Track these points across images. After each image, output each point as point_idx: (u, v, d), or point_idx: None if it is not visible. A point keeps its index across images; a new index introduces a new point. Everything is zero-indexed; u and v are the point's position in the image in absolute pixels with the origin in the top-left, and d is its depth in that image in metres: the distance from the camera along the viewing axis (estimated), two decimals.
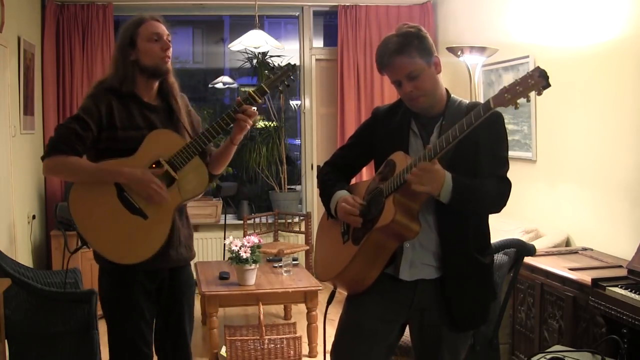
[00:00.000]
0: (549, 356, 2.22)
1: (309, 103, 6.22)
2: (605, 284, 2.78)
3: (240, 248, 3.98)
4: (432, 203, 1.98)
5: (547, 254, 3.53)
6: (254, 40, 5.01)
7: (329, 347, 2.24)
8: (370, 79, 5.96)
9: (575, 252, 3.57)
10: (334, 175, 2.27)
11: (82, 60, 5.52)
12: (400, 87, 2.03)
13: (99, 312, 2.83)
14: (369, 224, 2.02)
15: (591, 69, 3.65)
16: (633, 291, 2.65)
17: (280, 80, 2.37)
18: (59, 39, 5.50)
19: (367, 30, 5.94)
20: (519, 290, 3.49)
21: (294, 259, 4.75)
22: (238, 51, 5.84)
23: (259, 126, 6.26)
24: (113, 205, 2.22)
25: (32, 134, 5.05)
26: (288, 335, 3.93)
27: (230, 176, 6.54)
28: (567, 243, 3.85)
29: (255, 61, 6.15)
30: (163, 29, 2.32)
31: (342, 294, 2.22)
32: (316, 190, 2.43)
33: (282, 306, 4.93)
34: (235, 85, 7.03)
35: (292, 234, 5.98)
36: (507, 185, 2.02)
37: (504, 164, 2.04)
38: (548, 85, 1.73)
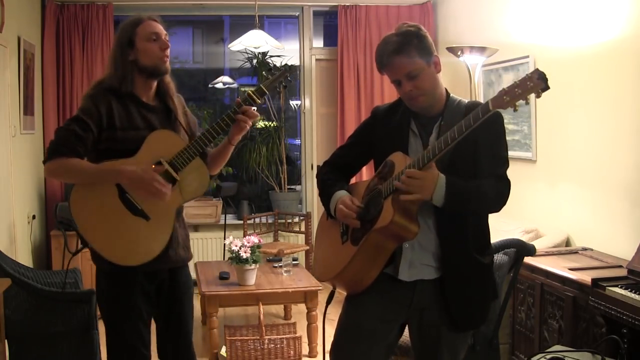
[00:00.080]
0: (549, 356, 2.22)
1: (309, 103, 6.22)
2: (605, 284, 2.77)
3: (240, 248, 3.98)
4: (431, 204, 1.98)
5: (547, 254, 3.53)
6: (254, 40, 5.01)
7: (328, 347, 2.24)
8: (370, 79, 5.96)
9: (575, 252, 3.57)
10: (333, 175, 2.26)
11: (82, 60, 5.53)
12: (400, 87, 2.03)
13: (99, 312, 2.83)
14: (367, 225, 2.02)
15: (591, 69, 3.65)
16: (633, 291, 2.65)
17: (279, 82, 2.38)
18: (59, 39, 5.50)
19: (367, 30, 5.95)
20: (519, 290, 3.49)
21: (294, 259, 4.75)
22: (238, 51, 5.84)
23: (259, 126, 6.25)
24: (115, 206, 2.22)
25: (32, 134, 5.05)
26: (288, 335, 3.93)
27: (230, 176, 6.54)
28: (567, 243, 3.85)
29: (255, 61, 6.15)
30: (161, 28, 2.31)
31: (341, 293, 2.23)
32: (316, 190, 2.43)
33: (282, 306, 4.92)
34: (235, 85, 7.03)
35: (292, 234, 5.98)
36: (506, 185, 2.02)
37: (504, 164, 2.04)
38: (547, 87, 1.72)
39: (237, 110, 2.30)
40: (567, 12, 3.86)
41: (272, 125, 6.25)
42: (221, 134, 2.31)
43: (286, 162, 6.18)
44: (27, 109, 4.88)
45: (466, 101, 2.09)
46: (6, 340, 2.90)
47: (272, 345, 3.85)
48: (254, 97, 2.31)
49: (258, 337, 3.85)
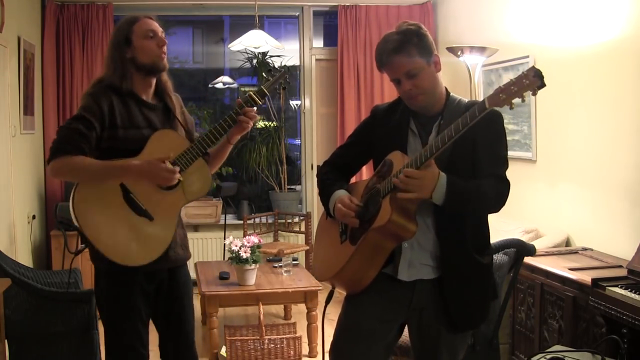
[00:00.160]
0: (549, 356, 2.22)
1: (309, 103, 6.22)
2: (605, 284, 2.77)
3: (240, 248, 3.98)
4: (430, 203, 1.97)
5: (547, 254, 3.53)
6: (254, 40, 5.01)
7: (327, 347, 2.24)
8: (370, 79, 5.96)
9: (575, 252, 3.57)
10: (332, 174, 2.26)
11: (82, 60, 5.53)
12: (399, 86, 2.03)
13: (98, 312, 2.83)
14: (366, 224, 2.01)
15: (591, 69, 3.65)
16: (633, 291, 2.65)
17: (278, 83, 2.40)
18: (59, 39, 5.51)
19: (367, 30, 5.95)
20: (519, 290, 3.49)
21: (294, 259, 4.75)
22: (238, 51, 5.84)
23: (259, 126, 6.26)
24: (119, 206, 2.21)
25: (32, 134, 5.06)
26: (288, 335, 3.93)
27: (230, 176, 6.54)
28: (567, 243, 3.85)
29: (255, 61, 6.15)
30: (157, 26, 2.31)
31: (341, 293, 2.23)
32: (316, 190, 2.43)
33: (282, 306, 4.92)
34: (235, 85, 7.03)
35: (292, 234, 5.98)
36: (506, 185, 2.02)
37: (503, 163, 2.04)
38: (543, 85, 1.72)
39: (239, 112, 2.32)
40: (567, 12, 3.86)
41: (272, 125, 6.25)
42: (224, 135, 2.32)
43: (286, 162, 6.18)
44: (27, 109, 4.88)
45: (466, 100, 2.09)
46: (6, 340, 2.90)
47: (272, 345, 3.85)
48: (255, 98, 2.33)
49: (258, 337, 3.85)
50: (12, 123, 4.42)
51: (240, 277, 4.06)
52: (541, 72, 1.72)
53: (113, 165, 2.21)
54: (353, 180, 2.34)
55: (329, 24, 6.59)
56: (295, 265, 4.58)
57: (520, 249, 2.81)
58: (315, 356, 4.08)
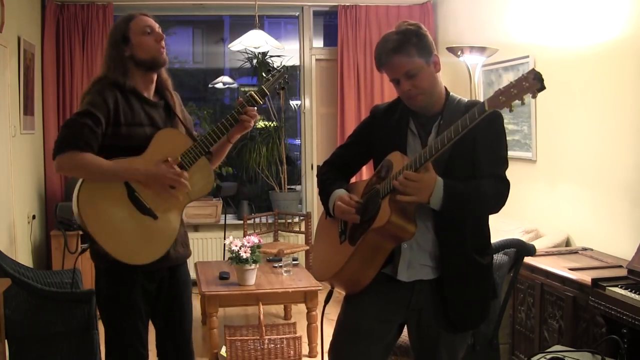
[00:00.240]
0: (549, 356, 2.22)
1: (309, 103, 6.22)
2: (605, 284, 2.77)
3: (240, 248, 3.98)
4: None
5: (547, 254, 3.53)
6: (254, 40, 5.01)
7: (326, 347, 2.24)
8: (370, 79, 5.96)
9: (575, 252, 3.57)
10: (332, 174, 2.27)
11: (82, 60, 5.53)
12: (399, 85, 2.03)
13: (98, 311, 2.83)
14: (365, 225, 2.01)
15: (591, 69, 3.65)
16: (633, 291, 2.65)
17: (277, 83, 2.42)
18: (59, 39, 5.51)
19: (367, 30, 5.95)
20: (519, 290, 3.49)
21: (294, 259, 4.75)
22: (238, 51, 5.84)
23: (259, 126, 6.26)
24: (123, 205, 2.21)
25: (32, 134, 5.06)
26: (288, 335, 3.93)
27: (230, 176, 6.54)
28: (567, 243, 3.85)
29: (255, 61, 6.14)
30: (153, 22, 2.31)
31: (341, 293, 2.22)
32: (316, 190, 2.44)
33: (282, 306, 4.92)
34: (235, 85, 7.03)
35: (292, 234, 5.98)
36: (505, 185, 2.01)
37: (503, 164, 2.03)
38: (543, 87, 1.71)
39: (240, 111, 2.33)
40: (567, 12, 3.86)
41: (272, 125, 6.25)
42: (225, 134, 2.34)
43: (286, 162, 6.18)
44: (27, 109, 4.88)
45: (466, 100, 2.08)
46: (6, 340, 2.90)
47: (272, 345, 3.85)
48: (256, 97, 2.35)
49: (258, 337, 3.85)
50: (12, 123, 4.42)
51: (240, 277, 4.06)
52: (541, 75, 1.71)
53: (122, 168, 2.20)
54: (353, 180, 2.34)
55: (329, 24, 6.59)
56: (295, 265, 4.58)
57: (520, 249, 2.81)
58: (315, 356, 4.08)
